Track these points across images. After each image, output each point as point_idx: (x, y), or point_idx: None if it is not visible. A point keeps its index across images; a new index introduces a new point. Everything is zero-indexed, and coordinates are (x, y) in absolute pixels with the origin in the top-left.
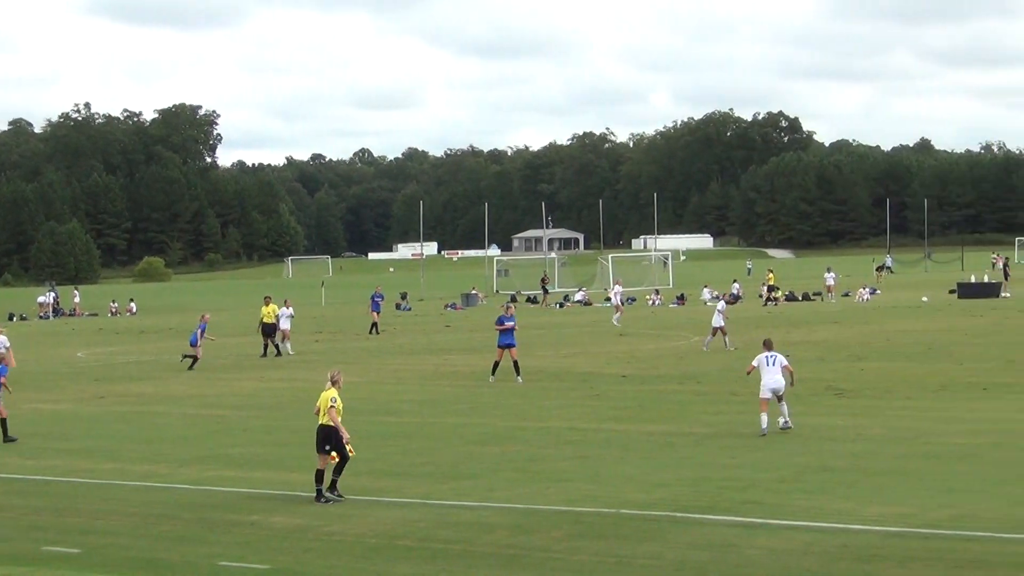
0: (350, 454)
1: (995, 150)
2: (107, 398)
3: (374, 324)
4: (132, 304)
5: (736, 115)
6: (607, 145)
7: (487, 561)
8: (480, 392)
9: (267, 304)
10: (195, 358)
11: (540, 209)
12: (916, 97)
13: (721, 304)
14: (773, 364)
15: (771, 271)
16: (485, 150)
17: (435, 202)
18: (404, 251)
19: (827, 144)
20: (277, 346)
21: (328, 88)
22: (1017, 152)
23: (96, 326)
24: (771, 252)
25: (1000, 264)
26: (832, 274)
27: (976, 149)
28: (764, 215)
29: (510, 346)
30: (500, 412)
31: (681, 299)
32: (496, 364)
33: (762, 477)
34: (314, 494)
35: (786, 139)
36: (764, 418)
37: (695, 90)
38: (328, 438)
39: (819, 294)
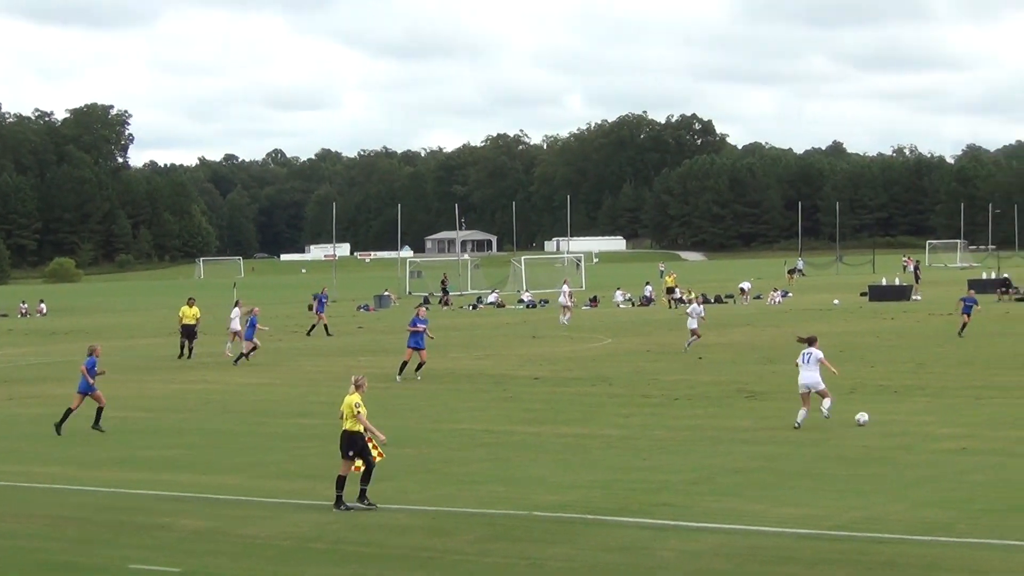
0: (376, 460)
1: (907, 153)
2: (15, 400)
3: (314, 326)
4: (42, 305)
5: (649, 118)
6: (521, 147)
7: (400, 564)
8: (393, 394)
9: (190, 306)
10: (253, 348)
11: (453, 211)
12: (829, 100)
13: (694, 308)
14: (808, 361)
15: (672, 274)
16: (399, 151)
17: (348, 203)
18: (317, 252)
19: (740, 147)
20: (191, 348)
21: (241, 88)
22: (929, 156)
23: (5, 327)
24: (684, 254)
25: (911, 267)
26: (747, 283)
27: (888, 152)
28: (677, 217)
29: (419, 348)
30: (413, 414)
31: (594, 301)
32: (404, 364)
33: (674, 479)
34: (334, 501)
35: (699, 142)
36: (801, 412)
37: (609, 92)
38: (352, 444)
39: (731, 296)
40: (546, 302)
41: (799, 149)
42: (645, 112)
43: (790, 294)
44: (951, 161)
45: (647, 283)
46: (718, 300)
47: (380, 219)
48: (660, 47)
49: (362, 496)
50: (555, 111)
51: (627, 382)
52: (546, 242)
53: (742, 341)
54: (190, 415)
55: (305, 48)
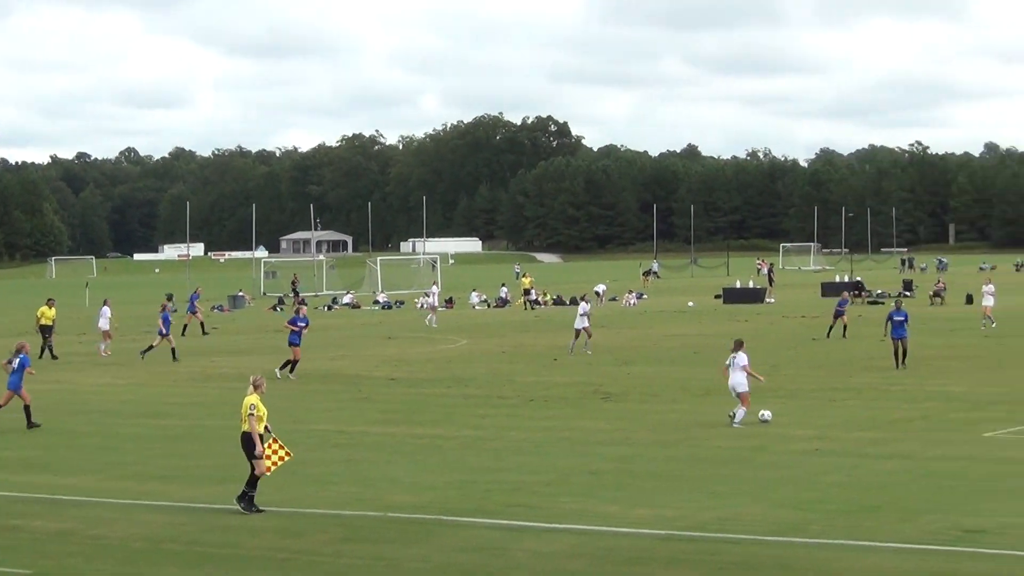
0: (272, 468)
1: (761, 157)
2: None
3: (186, 325)
4: None
5: (506, 119)
6: (376, 147)
7: (255, 565)
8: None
9: (50, 306)
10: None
11: (309, 211)
12: (684, 103)
13: (584, 306)
14: (734, 365)
15: (527, 275)
16: (253, 151)
17: (202, 203)
18: (170, 252)
19: (595, 149)
20: (51, 348)
21: (94, 86)
22: (783, 159)
23: None
24: (540, 256)
25: (765, 270)
26: (603, 286)
27: (742, 156)
28: (533, 219)
29: (296, 345)
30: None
31: (450, 302)
32: (293, 362)
33: (529, 480)
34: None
35: (555, 144)
36: (740, 412)
37: (465, 93)
38: (254, 445)
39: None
40: (402, 303)
41: (654, 152)
42: (501, 113)
43: (645, 296)
44: (805, 165)
45: (503, 285)
46: (573, 302)
47: (234, 219)
48: (517, 48)
49: (241, 497)
50: (411, 112)
51: (483, 383)
52: (402, 243)
53: (597, 343)
54: (42, 416)
55: (159, 46)
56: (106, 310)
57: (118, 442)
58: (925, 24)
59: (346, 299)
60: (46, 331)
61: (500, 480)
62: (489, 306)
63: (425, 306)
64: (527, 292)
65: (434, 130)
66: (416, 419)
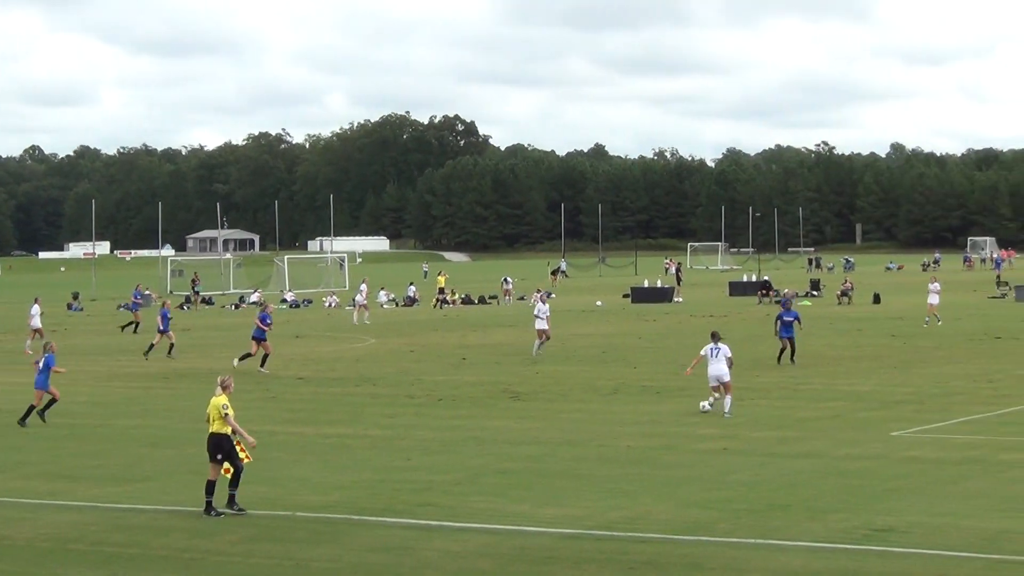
0: (243, 462)
1: (668, 157)
2: None
3: (134, 323)
4: None
5: (412, 118)
6: (283, 146)
7: (162, 565)
8: (154, 394)
9: None
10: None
11: (215, 209)
12: (590, 103)
13: (540, 307)
14: (717, 356)
15: (442, 274)
16: (159, 149)
17: (108, 201)
18: (76, 250)
19: (503, 148)
20: None
21: None
22: (689, 159)
23: None
24: (447, 255)
25: (672, 269)
26: (510, 281)
27: (650, 155)
28: (440, 218)
29: (262, 340)
30: (174, 414)
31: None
32: (252, 356)
33: (439, 479)
34: (203, 507)
35: (462, 143)
36: (709, 401)
37: (371, 92)
38: (220, 447)
39: (495, 297)
40: (309, 302)
41: (561, 151)
42: (408, 112)
43: (553, 295)
44: (711, 165)
45: (411, 283)
46: (482, 301)
47: (140, 217)
48: (423, 48)
49: (231, 501)
50: (317, 110)
51: (391, 382)
52: (309, 242)
53: (505, 342)
54: None
55: (62, 44)
56: (36, 308)
57: (25, 441)
58: (830, 25)
59: (253, 298)
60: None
61: (409, 480)
62: (397, 305)
63: (357, 304)
64: (442, 291)
65: (341, 129)
66: (324, 418)
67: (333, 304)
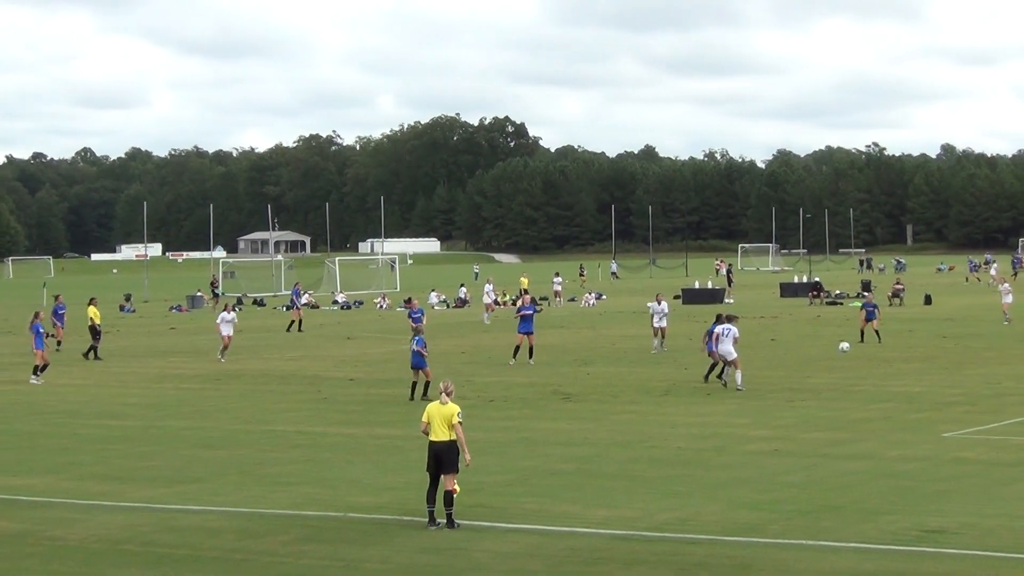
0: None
1: (718, 158)
2: None
3: (292, 321)
4: None
5: (463, 120)
6: (334, 148)
7: (213, 566)
8: (205, 395)
9: (95, 305)
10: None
11: (266, 211)
12: (640, 104)
13: (653, 305)
14: (727, 335)
15: (525, 276)
16: (210, 151)
17: (159, 203)
18: (128, 252)
19: (553, 150)
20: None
21: (49, 86)
22: (740, 160)
23: None
24: (498, 256)
25: (724, 270)
26: (559, 279)
27: (700, 157)
28: (491, 220)
29: (529, 333)
30: (225, 415)
31: (408, 303)
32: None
33: (490, 480)
34: (444, 520)
35: (512, 144)
36: (738, 375)
37: (422, 94)
38: (442, 456)
39: (546, 299)
40: (361, 303)
41: (611, 153)
42: (458, 114)
43: (604, 296)
44: (762, 166)
45: (462, 285)
46: (532, 302)
47: (192, 219)
48: (473, 49)
49: (450, 521)
50: (367, 112)
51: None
52: (360, 243)
53: (557, 343)
54: None
55: (112, 46)
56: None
57: (76, 443)
58: (881, 25)
59: (304, 299)
60: (95, 332)
61: (460, 481)
62: (448, 306)
63: (485, 304)
64: (525, 292)
65: (391, 131)
66: (376, 420)
67: (384, 305)
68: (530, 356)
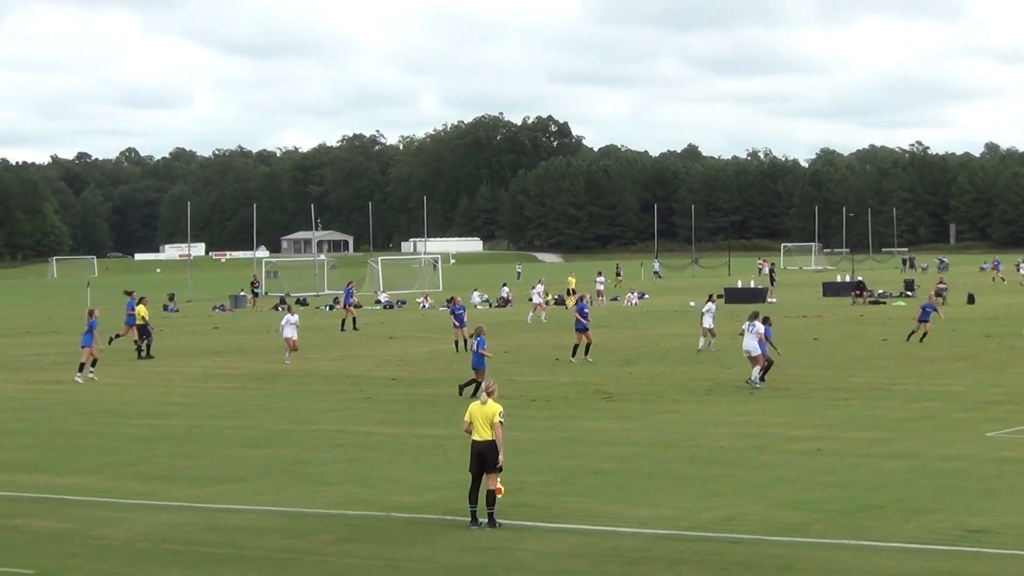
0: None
1: (761, 157)
2: None
3: (344, 320)
4: None
5: (506, 119)
6: (377, 147)
7: (257, 565)
8: (249, 395)
9: (144, 304)
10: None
11: (309, 211)
12: (683, 103)
13: (709, 306)
14: (752, 331)
15: (573, 275)
16: (253, 151)
17: (203, 203)
18: (171, 252)
19: (596, 149)
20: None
21: (93, 86)
22: (783, 159)
23: None
24: (540, 256)
25: (766, 270)
26: (601, 278)
27: (743, 156)
28: (533, 219)
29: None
30: (269, 415)
31: (451, 302)
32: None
33: (532, 480)
34: (486, 519)
35: (555, 144)
36: (755, 372)
37: (464, 94)
38: (484, 456)
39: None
40: (403, 303)
41: (654, 152)
42: (501, 113)
43: (647, 295)
44: (805, 165)
45: (504, 284)
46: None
47: (235, 219)
48: (515, 48)
49: (491, 520)
50: (410, 112)
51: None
52: (403, 243)
53: (599, 342)
54: (42, 415)
55: (157, 46)
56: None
57: (119, 442)
58: (923, 23)
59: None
60: (144, 330)
61: (503, 480)
62: (491, 306)
63: (534, 304)
64: (572, 291)
65: (434, 130)
66: (418, 419)
67: (427, 305)
68: (586, 353)
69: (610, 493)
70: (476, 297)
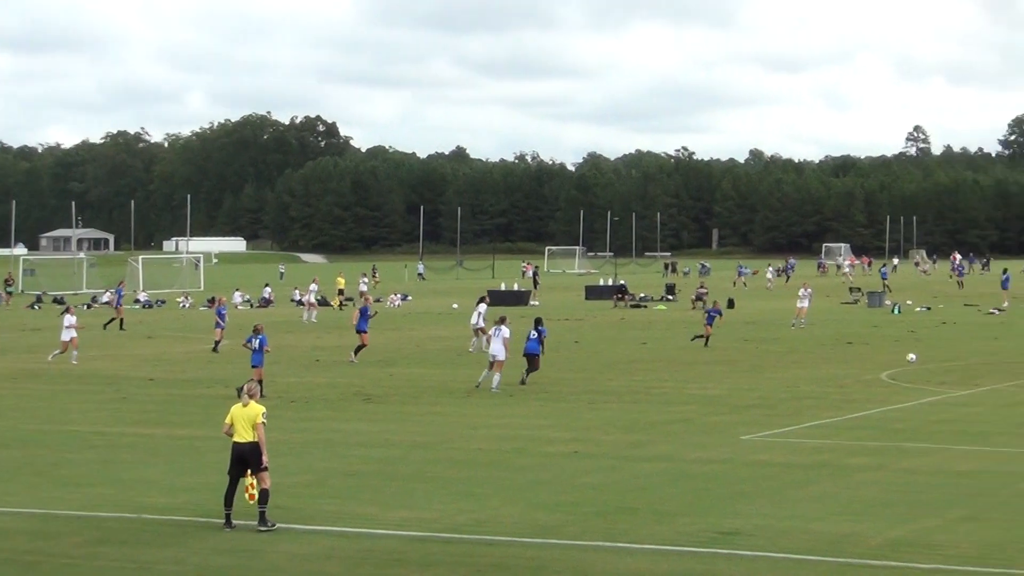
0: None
1: (528, 160)
2: None
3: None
4: None
5: (273, 118)
6: (141, 145)
7: (5, 569)
8: (0, 395)
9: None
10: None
11: (70, 208)
12: (453, 105)
13: (481, 307)
14: (497, 335)
15: (341, 274)
16: (14, 146)
17: None
18: None
19: (364, 150)
20: None
21: None
22: (550, 163)
23: None
24: (305, 256)
25: (530, 272)
26: (366, 279)
27: (510, 158)
28: (299, 219)
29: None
30: (21, 415)
31: (212, 302)
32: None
33: (287, 482)
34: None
35: (323, 144)
36: (484, 374)
37: (232, 92)
38: (245, 458)
39: (351, 300)
40: (163, 302)
41: (423, 153)
42: (269, 112)
43: (410, 297)
44: (572, 169)
45: (266, 284)
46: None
47: None
48: (285, 47)
49: (262, 519)
50: (177, 109)
51: (242, 383)
52: (165, 242)
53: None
54: None
55: None
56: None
57: None
58: (693, 30)
59: (105, 298)
60: None
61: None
62: (252, 306)
63: (306, 303)
64: (341, 291)
65: (201, 128)
66: (174, 420)
67: (187, 304)
68: (355, 353)
69: (366, 495)
70: (238, 297)
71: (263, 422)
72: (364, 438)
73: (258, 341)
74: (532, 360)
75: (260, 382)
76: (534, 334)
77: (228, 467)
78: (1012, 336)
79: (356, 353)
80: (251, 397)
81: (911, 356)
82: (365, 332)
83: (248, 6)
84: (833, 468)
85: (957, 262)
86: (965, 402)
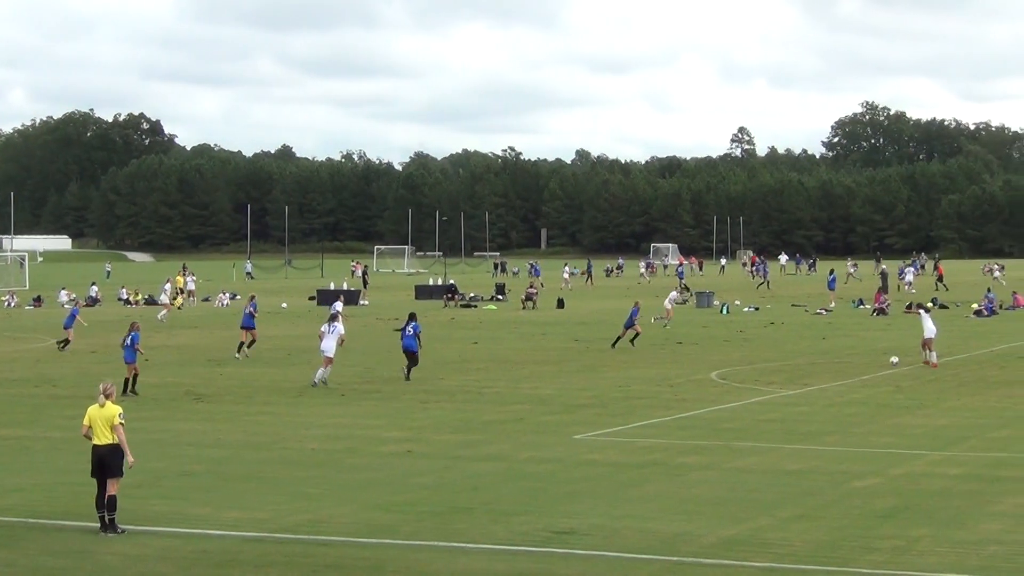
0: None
1: (356, 159)
2: None
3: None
4: None
5: (97, 116)
6: None
7: None
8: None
9: None
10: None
11: None
12: (278, 104)
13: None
14: (332, 332)
15: (180, 273)
16: None
17: None
18: None
19: (189, 148)
20: None
21: None
22: (377, 162)
23: None
24: (131, 255)
25: (359, 272)
26: (193, 278)
27: (337, 158)
28: (124, 218)
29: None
30: None
31: (38, 301)
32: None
33: (120, 482)
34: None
35: (147, 142)
36: (319, 371)
37: (54, 88)
38: (105, 460)
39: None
40: None
41: (248, 152)
42: (92, 110)
43: (239, 296)
44: (399, 168)
45: (93, 283)
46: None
47: None
48: (108, 44)
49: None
50: None
51: (72, 383)
52: None
53: (189, 343)
54: None
55: None
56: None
57: None
58: (518, 31)
59: None
60: None
61: (88, 482)
62: (78, 305)
63: (163, 303)
64: (181, 291)
65: (23, 125)
66: (2, 420)
67: (12, 303)
68: (248, 347)
69: (199, 495)
70: (63, 296)
71: (121, 423)
72: (196, 438)
73: (131, 338)
74: (411, 356)
75: (135, 378)
76: (410, 330)
77: (91, 471)
78: (839, 336)
79: (241, 349)
80: (107, 397)
81: (894, 359)
82: (254, 328)
83: (69, 2)
84: (666, 467)
85: (759, 261)
86: (794, 401)
